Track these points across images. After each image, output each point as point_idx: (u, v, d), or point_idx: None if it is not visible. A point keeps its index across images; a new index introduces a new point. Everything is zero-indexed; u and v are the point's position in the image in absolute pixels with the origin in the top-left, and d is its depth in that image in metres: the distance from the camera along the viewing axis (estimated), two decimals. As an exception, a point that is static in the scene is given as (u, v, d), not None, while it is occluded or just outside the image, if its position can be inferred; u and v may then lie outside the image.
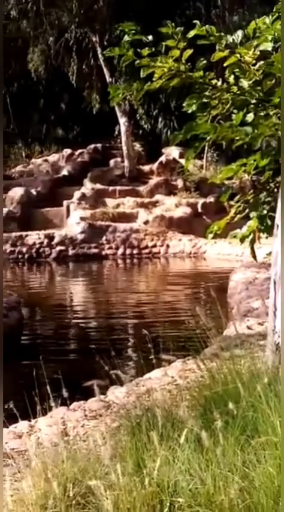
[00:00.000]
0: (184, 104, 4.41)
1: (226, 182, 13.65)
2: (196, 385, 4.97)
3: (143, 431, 4.11)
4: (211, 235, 4.32)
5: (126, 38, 4.29)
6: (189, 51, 4.36)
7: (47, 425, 5.76)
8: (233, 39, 4.33)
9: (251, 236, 4.22)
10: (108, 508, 3.58)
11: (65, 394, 4.93)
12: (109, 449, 3.95)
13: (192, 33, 4.28)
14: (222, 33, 4.37)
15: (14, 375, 10.09)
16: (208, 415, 4.09)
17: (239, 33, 4.36)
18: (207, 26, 4.36)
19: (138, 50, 4.33)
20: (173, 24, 4.35)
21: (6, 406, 4.88)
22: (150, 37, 4.33)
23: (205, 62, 4.35)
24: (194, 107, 4.33)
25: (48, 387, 4.99)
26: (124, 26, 4.35)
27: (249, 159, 4.35)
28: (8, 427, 5.71)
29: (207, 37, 4.30)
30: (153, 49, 4.31)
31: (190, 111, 4.31)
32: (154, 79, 4.35)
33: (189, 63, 4.43)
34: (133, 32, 4.32)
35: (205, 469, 3.61)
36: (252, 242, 4.23)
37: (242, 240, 4.25)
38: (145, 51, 4.28)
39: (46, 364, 6.18)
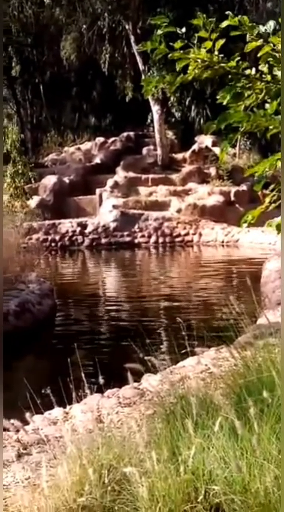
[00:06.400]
0: (218, 97, 4.39)
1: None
2: (231, 374, 4.98)
3: (178, 419, 4.14)
4: (245, 225, 4.31)
5: (159, 31, 4.28)
6: (221, 41, 4.33)
7: (82, 412, 5.81)
8: (265, 29, 4.30)
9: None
10: (143, 495, 3.60)
11: (101, 381, 4.96)
12: (144, 437, 3.97)
13: (224, 24, 4.25)
14: (254, 24, 4.34)
15: (48, 361, 10.19)
16: (243, 404, 4.10)
17: (271, 23, 4.32)
18: (240, 16, 4.33)
19: (171, 43, 4.31)
20: (204, 15, 4.32)
21: (42, 391, 4.93)
22: (183, 29, 4.31)
23: (238, 54, 4.33)
24: (228, 97, 4.32)
25: (82, 374, 5.03)
26: (156, 19, 4.33)
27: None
28: (43, 413, 5.78)
29: (240, 27, 4.27)
30: (186, 41, 4.30)
31: (225, 103, 4.29)
32: (188, 71, 4.34)
33: (222, 54, 4.41)
34: (165, 24, 4.29)
35: (240, 457, 3.63)
36: (289, 231, 4.21)
37: (278, 229, 4.24)
38: (178, 44, 4.27)
39: (80, 350, 6.25)
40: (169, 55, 4.28)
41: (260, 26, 4.34)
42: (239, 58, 4.30)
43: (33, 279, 12.94)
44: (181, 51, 4.28)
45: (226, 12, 4.33)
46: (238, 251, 21.69)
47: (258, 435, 3.66)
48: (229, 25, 4.27)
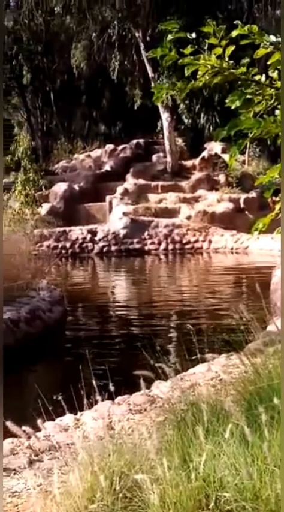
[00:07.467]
0: (227, 100, 4.40)
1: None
2: (241, 381, 4.98)
3: (188, 426, 4.13)
4: (256, 233, 4.31)
5: (169, 36, 4.28)
6: (231, 48, 4.34)
7: (93, 419, 5.81)
8: (276, 40, 4.31)
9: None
10: (155, 502, 3.60)
11: (112, 388, 4.96)
12: (155, 444, 3.97)
13: (234, 33, 4.26)
14: (264, 31, 4.35)
15: (58, 368, 10.19)
16: (253, 410, 4.09)
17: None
18: (249, 25, 4.34)
19: (181, 49, 4.32)
20: (214, 22, 4.33)
21: (53, 398, 4.94)
22: (193, 34, 4.31)
23: (248, 60, 4.34)
24: (238, 103, 4.32)
25: (93, 381, 5.03)
26: (167, 25, 4.34)
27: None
28: (54, 420, 5.78)
29: (250, 36, 4.28)
30: (196, 47, 4.30)
31: (233, 107, 4.30)
32: (198, 76, 4.34)
33: (232, 61, 4.41)
34: (175, 30, 4.30)
35: (251, 464, 3.62)
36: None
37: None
38: (188, 50, 4.27)
39: (90, 356, 6.25)
40: (179, 61, 4.29)
41: (271, 36, 4.35)
42: (249, 61, 4.30)
43: (44, 286, 12.96)
44: (191, 57, 4.29)
45: (235, 22, 4.34)
46: (248, 258, 21.67)
47: (269, 442, 3.65)
48: (239, 33, 4.27)
